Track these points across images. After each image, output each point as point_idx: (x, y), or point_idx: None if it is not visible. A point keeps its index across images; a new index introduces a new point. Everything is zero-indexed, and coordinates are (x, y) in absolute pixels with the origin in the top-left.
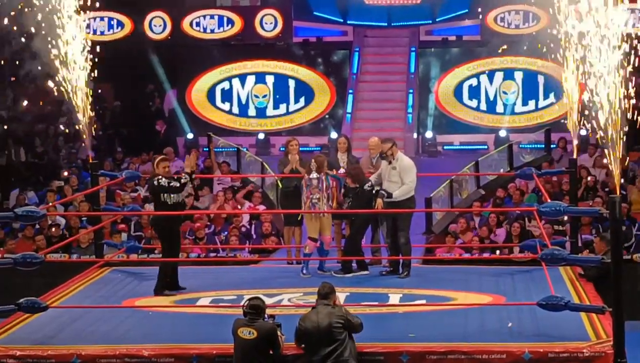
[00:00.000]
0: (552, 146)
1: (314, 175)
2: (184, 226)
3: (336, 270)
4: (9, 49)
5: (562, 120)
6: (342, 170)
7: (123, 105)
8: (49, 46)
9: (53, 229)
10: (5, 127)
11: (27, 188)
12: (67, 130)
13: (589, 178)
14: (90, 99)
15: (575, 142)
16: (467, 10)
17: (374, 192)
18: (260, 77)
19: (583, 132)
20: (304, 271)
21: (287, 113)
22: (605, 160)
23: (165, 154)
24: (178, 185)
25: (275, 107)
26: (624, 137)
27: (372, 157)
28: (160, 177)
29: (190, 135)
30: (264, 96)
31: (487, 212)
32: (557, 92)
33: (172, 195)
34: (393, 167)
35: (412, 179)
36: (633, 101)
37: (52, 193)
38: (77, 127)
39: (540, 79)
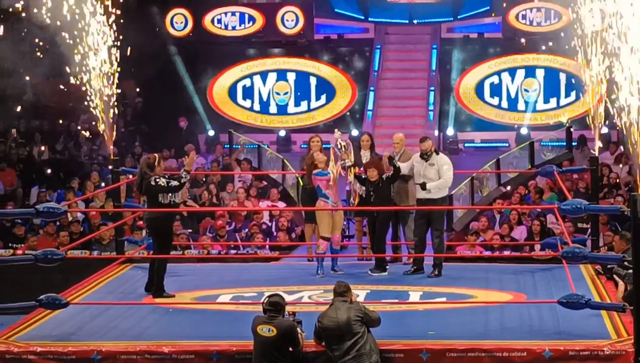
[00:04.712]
0: (573, 144)
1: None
2: (204, 223)
3: (372, 269)
4: (29, 41)
5: (586, 117)
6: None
7: (145, 102)
8: (72, 42)
9: (73, 226)
10: (20, 121)
11: (47, 185)
12: (88, 127)
13: (610, 175)
14: (113, 95)
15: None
16: (488, 8)
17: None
18: (281, 74)
19: (605, 130)
20: (319, 271)
21: (309, 110)
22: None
23: (186, 150)
24: (177, 184)
25: (297, 104)
26: None
27: (395, 153)
28: (157, 176)
29: (211, 132)
30: (285, 93)
31: (507, 209)
32: (578, 89)
33: (169, 195)
34: (431, 164)
35: (450, 176)
36: None
37: (71, 192)
38: (98, 124)
39: (562, 77)
